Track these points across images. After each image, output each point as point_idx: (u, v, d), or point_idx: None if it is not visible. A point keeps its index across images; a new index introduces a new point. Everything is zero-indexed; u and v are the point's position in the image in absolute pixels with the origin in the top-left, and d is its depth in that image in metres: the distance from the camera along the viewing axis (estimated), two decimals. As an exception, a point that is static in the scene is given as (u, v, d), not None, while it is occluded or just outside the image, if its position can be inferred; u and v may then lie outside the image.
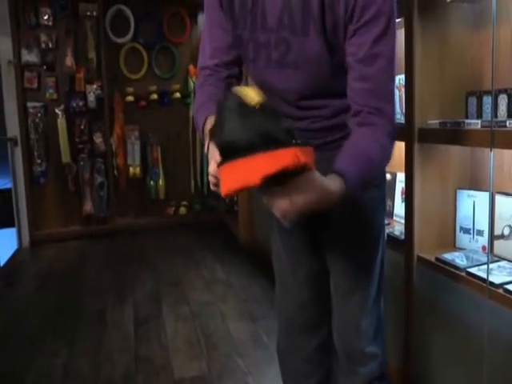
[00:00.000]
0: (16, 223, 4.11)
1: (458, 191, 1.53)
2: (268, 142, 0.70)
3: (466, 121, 1.32)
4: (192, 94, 4.47)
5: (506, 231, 1.38)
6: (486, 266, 1.30)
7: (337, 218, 1.09)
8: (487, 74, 1.44)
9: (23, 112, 4.09)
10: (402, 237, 1.59)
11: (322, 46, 0.95)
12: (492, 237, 1.42)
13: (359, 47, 0.92)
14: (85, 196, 4.35)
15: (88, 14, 4.16)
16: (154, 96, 4.48)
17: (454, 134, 1.35)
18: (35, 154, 4.16)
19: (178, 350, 2.28)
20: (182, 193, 4.68)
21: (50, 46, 4.15)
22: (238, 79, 1.13)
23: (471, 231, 1.50)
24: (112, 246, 4.12)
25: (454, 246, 1.54)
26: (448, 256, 1.43)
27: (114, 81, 4.35)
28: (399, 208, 1.86)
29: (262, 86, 1.10)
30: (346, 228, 1.12)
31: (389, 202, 1.87)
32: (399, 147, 1.48)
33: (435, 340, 1.55)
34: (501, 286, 1.22)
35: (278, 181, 0.73)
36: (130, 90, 4.41)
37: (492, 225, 1.41)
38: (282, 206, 0.76)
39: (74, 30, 4.19)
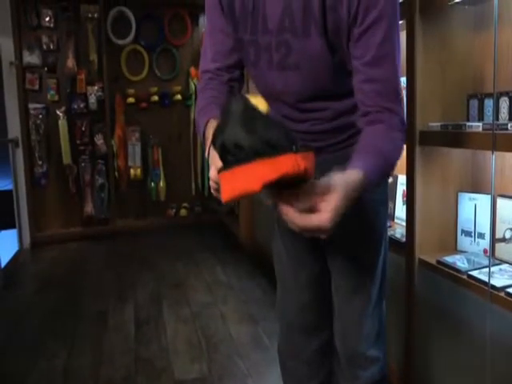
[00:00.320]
0: (17, 224, 4.10)
1: (460, 194, 1.53)
2: (269, 148, 0.70)
3: (468, 123, 1.32)
4: (193, 96, 4.48)
5: (508, 234, 1.38)
6: (487, 269, 1.30)
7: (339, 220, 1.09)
8: (489, 76, 1.44)
9: (24, 113, 4.10)
10: (403, 239, 1.58)
11: (324, 47, 0.95)
12: (493, 240, 1.42)
13: (365, 50, 0.92)
14: (86, 197, 4.35)
15: (89, 15, 4.16)
16: (155, 98, 4.49)
17: (455, 137, 1.35)
18: (36, 155, 4.16)
19: (178, 351, 2.28)
20: (182, 194, 4.68)
21: (52, 47, 4.16)
22: (240, 82, 1.13)
23: (472, 234, 1.50)
24: (113, 247, 4.12)
25: (455, 249, 1.54)
26: (449, 259, 1.43)
27: (115, 82, 4.36)
28: (400, 210, 1.86)
29: (263, 89, 1.10)
30: (348, 230, 1.11)
31: (390, 205, 1.87)
32: (400, 150, 1.47)
33: (436, 343, 1.55)
34: (502, 289, 1.22)
35: (280, 186, 0.73)
36: (131, 91, 4.42)
37: (493, 228, 1.41)
38: (324, 220, 0.73)
39: (75, 31, 4.20)
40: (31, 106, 4.12)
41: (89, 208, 4.36)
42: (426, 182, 1.49)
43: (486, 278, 1.26)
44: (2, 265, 3.34)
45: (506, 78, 1.36)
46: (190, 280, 3.24)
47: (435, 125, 1.43)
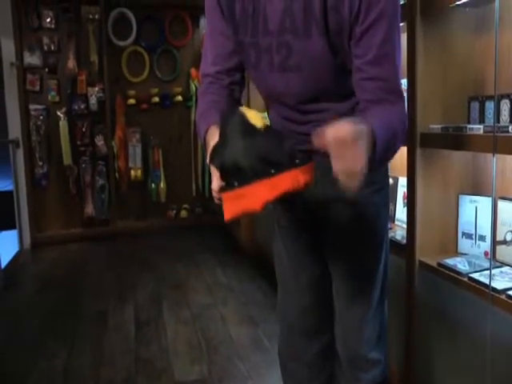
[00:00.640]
0: (17, 225, 4.10)
1: (460, 196, 1.53)
2: (268, 167, 0.73)
3: (469, 126, 1.31)
4: (193, 97, 4.48)
5: (509, 237, 1.38)
6: (488, 272, 1.30)
7: (340, 222, 1.09)
8: (490, 78, 1.44)
9: (25, 114, 4.10)
10: (404, 241, 1.58)
11: (325, 47, 0.95)
12: (494, 242, 1.42)
13: (367, 50, 0.93)
14: (86, 198, 4.35)
15: (90, 16, 4.16)
16: (156, 99, 4.48)
17: (456, 139, 1.35)
18: (37, 156, 4.16)
19: (178, 352, 2.28)
20: (183, 196, 4.67)
21: (53, 48, 4.16)
22: (241, 86, 1.13)
23: (473, 236, 1.50)
24: (113, 248, 4.12)
25: (455, 252, 1.54)
26: (450, 261, 1.43)
27: (116, 83, 4.36)
28: (401, 213, 1.86)
29: (264, 91, 1.10)
30: (349, 233, 1.12)
31: (390, 207, 1.87)
32: (401, 152, 1.47)
33: (437, 345, 1.55)
34: (503, 291, 1.22)
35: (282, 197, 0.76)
36: (132, 92, 4.42)
37: (494, 230, 1.41)
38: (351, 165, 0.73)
39: (76, 32, 4.20)
40: (32, 106, 4.13)
41: (89, 209, 4.35)
42: (427, 185, 1.49)
43: (486, 281, 1.26)
44: (3, 265, 3.34)
45: (506, 81, 1.36)
46: (191, 281, 3.24)
47: (436, 127, 1.43)
